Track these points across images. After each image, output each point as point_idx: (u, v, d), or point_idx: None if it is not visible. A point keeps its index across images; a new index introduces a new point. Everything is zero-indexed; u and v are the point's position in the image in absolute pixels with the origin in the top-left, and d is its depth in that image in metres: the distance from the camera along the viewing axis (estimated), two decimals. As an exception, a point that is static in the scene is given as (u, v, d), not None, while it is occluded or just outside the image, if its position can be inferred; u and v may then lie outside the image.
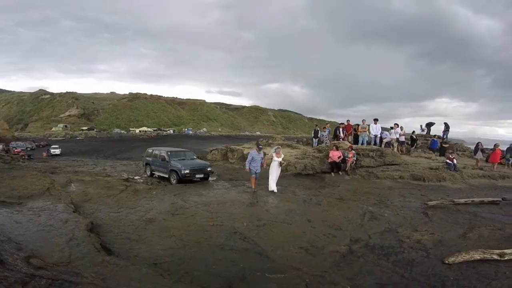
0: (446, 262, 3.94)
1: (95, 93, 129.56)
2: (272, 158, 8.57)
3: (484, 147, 15.29)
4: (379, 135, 14.26)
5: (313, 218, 5.87)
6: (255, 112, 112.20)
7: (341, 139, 14.14)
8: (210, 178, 11.01)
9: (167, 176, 10.73)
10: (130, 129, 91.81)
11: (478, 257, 4.03)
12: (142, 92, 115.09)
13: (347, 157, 11.20)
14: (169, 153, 11.11)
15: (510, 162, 14.11)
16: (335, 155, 11.11)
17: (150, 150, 12.40)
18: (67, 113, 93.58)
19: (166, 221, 5.60)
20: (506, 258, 4.05)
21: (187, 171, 10.07)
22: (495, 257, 4.06)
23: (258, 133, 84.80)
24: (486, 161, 14.19)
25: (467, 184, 10.49)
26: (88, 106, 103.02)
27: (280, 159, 8.64)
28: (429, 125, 19.90)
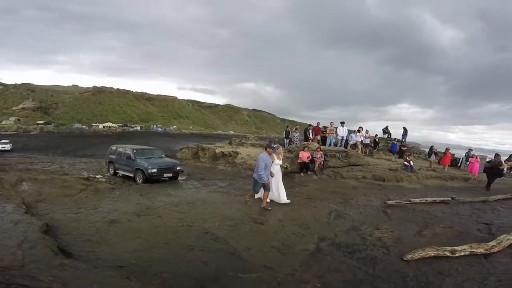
0: (405, 259, 4.15)
1: (55, 86, 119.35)
2: (273, 162, 7.01)
3: (437, 150, 16.82)
4: (345, 137, 15.01)
5: (284, 217, 5.98)
6: (229, 111, 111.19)
7: (310, 140, 14.62)
8: (179, 178, 10.71)
9: (132, 175, 10.23)
10: (93, 124, 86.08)
11: (433, 254, 4.29)
12: (108, 85, 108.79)
13: (315, 157, 11.60)
14: (135, 151, 10.61)
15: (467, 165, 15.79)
16: (304, 155, 11.45)
17: (114, 148, 11.74)
18: (20, 106, 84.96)
19: (131, 222, 5.35)
20: (457, 255, 4.34)
21: (154, 170, 9.69)
22: (447, 254, 4.34)
23: (231, 132, 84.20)
24: (439, 163, 15.61)
25: (422, 185, 11.42)
26: (46, 99, 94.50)
27: (281, 162, 7.40)
28: (385, 130, 21.54)
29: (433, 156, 16.06)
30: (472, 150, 17.76)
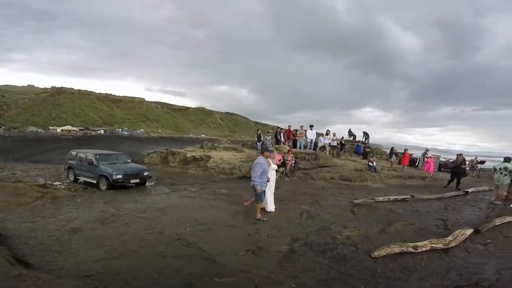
0: (373, 256, 4.32)
1: (8, 85, 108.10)
2: (269, 166, 6.53)
3: (397, 151, 18.11)
4: (314, 140, 15.55)
5: (258, 220, 5.96)
6: (201, 114, 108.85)
7: (281, 143, 14.91)
8: (147, 184, 10.27)
9: (95, 181, 9.61)
10: (50, 127, 79.30)
11: (397, 250, 4.47)
12: (69, 86, 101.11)
13: (286, 160, 11.84)
14: (97, 156, 9.99)
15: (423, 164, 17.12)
16: (276, 158, 11.62)
17: (74, 153, 10.95)
18: (-35, 108, 75.70)
19: (95, 231, 5.05)
20: (419, 250, 4.57)
21: (120, 176, 9.21)
22: (410, 249, 4.54)
23: (203, 135, 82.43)
24: (399, 163, 16.80)
25: (385, 184, 12.17)
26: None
27: (276, 166, 6.97)
28: (350, 132, 22.82)
29: (393, 156, 17.28)
30: (428, 150, 19.41)
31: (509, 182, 9.09)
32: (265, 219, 5.98)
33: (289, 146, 14.87)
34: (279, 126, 17.16)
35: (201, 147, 17.96)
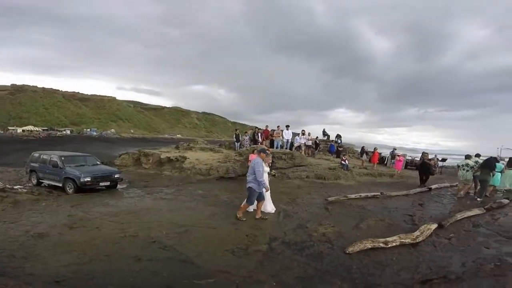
0: (347, 252, 4.44)
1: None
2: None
3: (368, 150, 19.03)
4: (290, 140, 15.87)
5: (237, 220, 5.95)
6: (176, 114, 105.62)
7: (259, 143, 15.02)
8: (119, 186, 9.84)
9: (60, 185, 9.05)
10: (10, 128, 73.05)
11: (370, 246, 4.62)
12: (32, 84, 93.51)
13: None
14: (63, 158, 9.40)
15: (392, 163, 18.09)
16: (253, 158, 11.67)
17: (36, 155, 10.22)
18: None
19: (63, 235, 4.78)
20: (389, 246, 4.73)
21: (88, 179, 8.74)
22: (382, 245, 4.70)
23: (179, 136, 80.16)
24: (369, 161, 17.64)
25: (356, 181, 12.70)
26: None
27: (268, 169, 6.84)
28: (324, 133, 23.66)
29: (364, 155, 18.12)
30: (396, 149, 20.64)
31: (471, 177, 9.98)
32: (267, 217, 6.13)
33: (266, 146, 15.01)
34: (257, 126, 17.27)
35: (177, 148, 17.52)
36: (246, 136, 16.59)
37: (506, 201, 8.81)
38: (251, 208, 6.45)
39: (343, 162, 14.17)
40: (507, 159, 11.91)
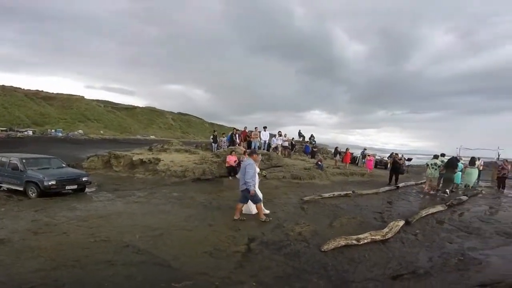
0: (322, 250, 4.55)
1: None
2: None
3: (341, 150, 19.77)
4: (267, 141, 16.04)
5: (214, 222, 5.89)
6: (150, 114, 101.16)
7: (236, 145, 14.99)
8: (87, 190, 9.33)
9: (22, 189, 8.44)
10: (-40, 129, 65.93)
11: (343, 243, 4.75)
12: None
13: (242, 161, 11.92)
14: (24, 160, 8.77)
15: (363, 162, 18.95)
16: (231, 159, 11.63)
17: (-7, 157, 9.40)
18: None
19: (27, 241, 4.48)
20: (361, 242, 4.89)
21: (53, 182, 8.23)
22: (354, 242, 4.84)
23: (152, 137, 77.09)
24: (342, 161, 18.33)
25: (330, 181, 13.12)
26: None
27: (258, 170, 6.64)
28: (300, 134, 24.28)
29: (338, 155, 18.80)
30: (366, 149, 21.68)
31: (438, 175, 10.93)
32: (270, 218, 6.10)
33: (244, 147, 15.03)
34: (235, 127, 17.23)
35: (150, 149, 16.92)
36: (223, 137, 16.51)
37: (465, 197, 9.62)
38: (253, 210, 6.37)
39: (319, 162, 14.59)
40: (465, 158, 13.09)
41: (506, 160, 13.24)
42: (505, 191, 12.32)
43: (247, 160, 6.12)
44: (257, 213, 6.17)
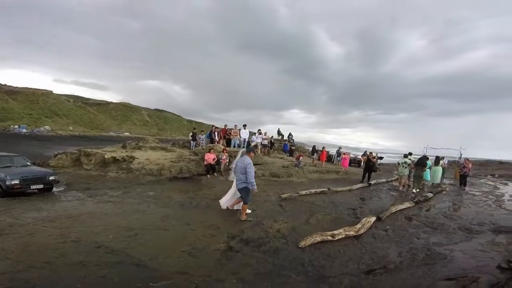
0: (300, 246, 4.65)
1: None
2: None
3: (318, 149, 20.33)
4: (247, 139, 16.04)
5: (192, 220, 5.79)
6: (125, 110, 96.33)
7: (216, 142, 14.85)
8: (55, 189, 8.78)
9: (-20, 189, 7.73)
10: None
11: (319, 239, 4.88)
12: None
13: (221, 159, 11.85)
14: (-18, 158, 8.07)
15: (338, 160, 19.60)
16: (210, 157, 11.50)
17: None
18: None
19: (-12, 243, 4.11)
20: (336, 238, 5.06)
21: (16, 182, 7.68)
22: (329, 238, 5.00)
23: (126, 134, 73.79)
24: (318, 159, 18.85)
25: (307, 179, 13.43)
26: None
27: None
28: (279, 132, 24.66)
29: (315, 154, 19.31)
30: (341, 148, 22.47)
31: (408, 173, 11.81)
32: (251, 219, 6.04)
33: (223, 145, 14.93)
34: (214, 124, 17.04)
35: (123, 147, 16.24)
36: (202, 135, 16.27)
37: (430, 194, 10.29)
38: (224, 206, 6.57)
39: (299, 158, 14.99)
40: (431, 157, 14.08)
41: (467, 159, 14.33)
42: (466, 188, 13.34)
43: (246, 159, 6.04)
44: (241, 213, 6.17)
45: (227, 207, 6.67)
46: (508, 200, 10.74)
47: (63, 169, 12.90)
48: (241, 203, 6.22)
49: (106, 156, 13.15)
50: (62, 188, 9.22)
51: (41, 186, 8.29)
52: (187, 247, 4.44)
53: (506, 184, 17.39)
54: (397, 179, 13.85)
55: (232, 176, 6.68)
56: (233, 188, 6.51)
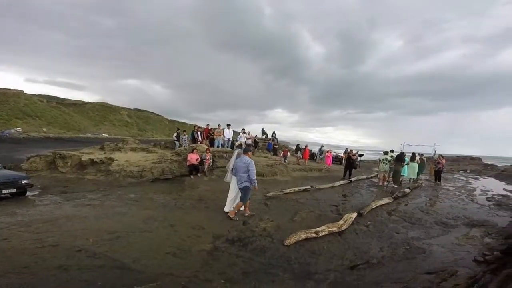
0: (285, 244, 4.69)
1: None
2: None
3: (301, 148, 20.63)
4: (231, 139, 16.00)
5: (176, 222, 5.69)
6: (103, 110, 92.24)
7: (199, 142, 14.67)
8: (28, 193, 8.34)
9: None
10: None
11: (304, 237, 4.94)
12: None
13: (204, 159, 11.72)
14: None
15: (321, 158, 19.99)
16: (193, 158, 11.34)
17: None
18: None
19: (-40, 249, 3.86)
20: (320, 235, 5.14)
21: None
22: (314, 235, 5.07)
23: (105, 135, 71.07)
24: (301, 158, 19.14)
25: (291, 177, 13.59)
26: None
27: None
28: (263, 131, 24.80)
29: (299, 152, 19.60)
30: (323, 146, 22.97)
31: (388, 169, 12.43)
32: (237, 218, 6.10)
33: (206, 145, 14.77)
34: (197, 124, 16.82)
35: (102, 148, 15.65)
36: (184, 135, 16.03)
37: (408, 190, 10.73)
38: (227, 209, 6.53)
39: (286, 154, 15.22)
40: (408, 154, 14.78)
41: (441, 156, 15.08)
42: (441, 183, 14.04)
43: (246, 158, 6.19)
44: (244, 208, 6.41)
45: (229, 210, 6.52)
46: (480, 194, 11.39)
47: (37, 172, 12.25)
48: (241, 205, 6.31)
49: (83, 158, 12.64)
50: (37, 192, 8.79)
51: (13, 190, 7.85)
52: (172, 248, 4.36)
53: (477, 178, 18.48)
54: (377, 175, 14.51)
55: (229, 177, 6.65)
56: (232, 189, 6.50)
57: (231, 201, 6.55)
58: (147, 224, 5.49)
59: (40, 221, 5.41)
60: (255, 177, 6.07)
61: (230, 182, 6.59)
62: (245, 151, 6.46)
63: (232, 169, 6.43)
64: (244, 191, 6.17)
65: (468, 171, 24.72)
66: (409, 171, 13.60)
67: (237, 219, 6.06)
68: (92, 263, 3.73)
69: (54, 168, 12.84)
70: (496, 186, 14.33)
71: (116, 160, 12.53)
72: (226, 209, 6.58)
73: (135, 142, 17.41)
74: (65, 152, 13.42)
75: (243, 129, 17.62)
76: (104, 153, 14.31)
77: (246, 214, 6.32)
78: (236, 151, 6.78)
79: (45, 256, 3.85)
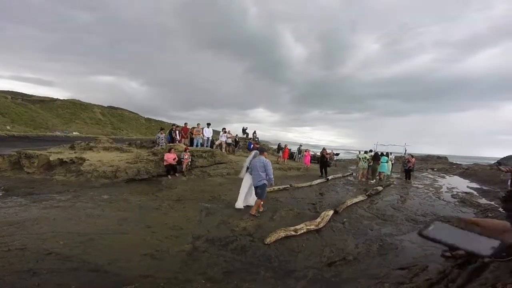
0: (266, 243, 4.74)
1: None
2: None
3: (282, 147, 20.89)
4: (211, 138, 15.81)
5: (153, 223, 5.54)
6: (73, 108, 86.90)
7: (177, 141, 14.35)
8: (-9, 195, 7.72)
9: None
10: None
11: (283, 235, 5.02)
12: None
13: (182, 158, 11.50)
14: None
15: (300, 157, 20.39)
16: (170, 157, 11.09)
17: None
18: None
19: None
20: (299, 233, 5.24)
21: None
22: (293, 233, 5.17)
23: (76, 133, 67.34)
24: (281, 157, 19.41)
25: (271, 176, 13.73)
26: None
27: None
28: (244, 131, 24.85)
29: (280, 151, 19.84)
30: (302, 145, 23.46)
31: (367, 166, 13.62)
32: (265, 209, 6.81)
33: (185, 144, 14.48)
34: (175, 123, 16.43)
35: (72, 148, 14.80)
36: (161, 134, 15.60)
37: (380, 188, 11.23)
38: (242, 205, 6.98)
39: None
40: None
41: (411, 155, 15.95)
42: (411, 181, 14.85)
43: (262, 158, 6.72)
44: (254, 206, 6.66)
45: (243, 206, 7.04)
46: (446, 191, 12.17)
47: (0, 173, 11.35)
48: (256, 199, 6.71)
49: (51, 158, 11.89)
50: (0, 194, 8.14)
51: (-29, 192, 7.22)
52: (149, 250, 4.25)
53: (444, 177, 19.75)
54: (352, 173, 15.33)
55: (242, 174, 7.18)
56: (245, 186, 7.02)
57: (243, 198, 7.04)
58: (122, 226, 5.29)
59: (4, 223, 5.04)
60: (272, 176, 6.64)
61: (242, 179, 7.13)
62: (261, 151, 7.01)
63: (248, 167, 6.94)
64: (261, 188, 6.57)
65: (435, 169, 26.32)
66: (387, 168, 14.68)
67: (258, 215, 6.41)
68: (65, 266, 3.56)
69: (19, 168, 11.95)
70: (461, 184, 15.39)
71: (88, 160, 11.92)
72: (238, 205, 6.97)
73: (109, 141, 16.65)
74: (32, 152, 12.53)
75: (223, 128, 17.50)
76: (75, 152, 13.55)
77: (261, 210, 6.70)
78: (253, 152, 7.21)
79: (12, 260, 3.63)
